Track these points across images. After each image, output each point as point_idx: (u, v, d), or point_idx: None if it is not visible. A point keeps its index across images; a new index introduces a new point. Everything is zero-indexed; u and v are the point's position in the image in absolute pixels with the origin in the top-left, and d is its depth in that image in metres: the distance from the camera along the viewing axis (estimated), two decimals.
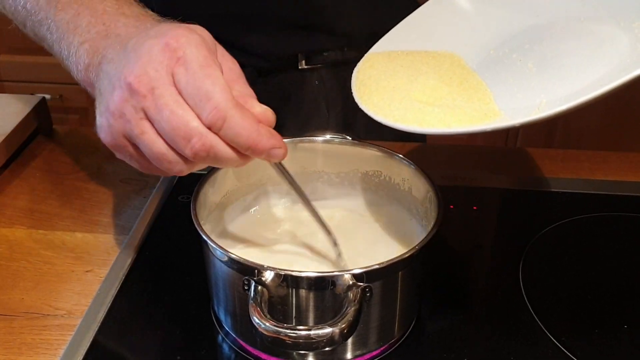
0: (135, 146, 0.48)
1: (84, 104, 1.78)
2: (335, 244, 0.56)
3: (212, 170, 0.58)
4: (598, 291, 0.61)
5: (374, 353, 0.54)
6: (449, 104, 0.50)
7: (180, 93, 0.45)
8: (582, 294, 0.60)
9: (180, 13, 0.83)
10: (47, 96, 1.01)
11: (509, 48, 0.54)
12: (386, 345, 0.54)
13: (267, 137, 0.46)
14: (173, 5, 0.82)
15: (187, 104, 0.45)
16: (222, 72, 0.46)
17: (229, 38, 0.84)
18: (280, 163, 0.51)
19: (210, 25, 0.83)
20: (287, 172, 0.53)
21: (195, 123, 0.45)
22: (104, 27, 0.53)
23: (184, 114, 0.45)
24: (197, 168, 0.48)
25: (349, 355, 0.53)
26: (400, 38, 0.60)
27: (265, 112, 0.48)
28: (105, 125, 0.48)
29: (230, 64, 0.50)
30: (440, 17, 0.60)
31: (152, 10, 0.82)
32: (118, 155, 0.50)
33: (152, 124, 0.46)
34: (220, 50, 0.50)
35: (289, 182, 0.53)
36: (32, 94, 0.90)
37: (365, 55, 0.59)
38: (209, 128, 0.45)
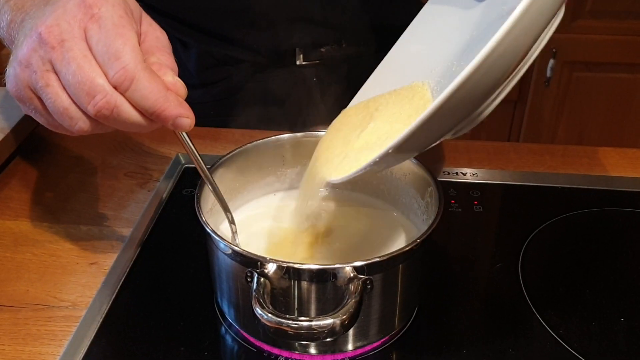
0: (41, 99, 0.47)
1: None
2: (232, 222, 0.56)
3: (215, 165, 0.59)
4: (596, 285, 0.61)
5: (375, 344, 0.54)
6: (380, 143, 0.50)
7: (90, 49, 0.45)
8: (580, 288, 0.61)
9: (176, 8, 0.84)
10: None
11: (465, 59, 0.53)
12: (387, 337, 0.55)
13: (175, 105, 0.46)
14: (169, 1, 0.82)
15: (97, 61, 0.44)
16: (137, 35, 0.46)
17: (224, 33, 0.84)
18: (186, 135, 0.50)
19: (207, 21, 0.84)
20: (193, 146, 0.51)
21: (101, 80, 0.44)
22: None
23: (90, 70, 0.44)
24: (101, 129, 0.47)
25: (350, 346, 0.53)
26: (375, 85, 0.60)
27: (176, 83, 0.47)
28: (12, 75, 0.47)
29: (157, 33, 0.50)
30: (412, 50, 0.60)
31: (149, 5, 0.82)
32: (24, 109, 0.49)
33: (58, 77, 0.45)
34: (148, 19, 0.50)
35: (192, 157, 0.52)
36: None
37: (341, 112, 0.60)
38: (115, 87, 0.44)
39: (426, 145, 0.48)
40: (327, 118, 0.88)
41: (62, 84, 0.45)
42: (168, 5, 0.82)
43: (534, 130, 1.81)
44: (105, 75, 0.44)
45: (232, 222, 0.57)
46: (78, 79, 0.44)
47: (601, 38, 1.68)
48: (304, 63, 0.86)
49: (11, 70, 0.47)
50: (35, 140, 0.81)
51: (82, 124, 0.46)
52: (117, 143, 0.80)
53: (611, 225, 0.69)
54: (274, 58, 0.85)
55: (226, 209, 0.56)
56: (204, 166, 0.53)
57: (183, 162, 0.78)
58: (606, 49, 1.69)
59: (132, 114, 0.45)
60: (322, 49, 0.85)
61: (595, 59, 1.71)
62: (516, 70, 0.43)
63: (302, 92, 0.87)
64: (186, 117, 0.46)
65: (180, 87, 0.47)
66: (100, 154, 0.79)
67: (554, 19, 0.43)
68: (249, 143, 0.62)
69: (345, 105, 0.86)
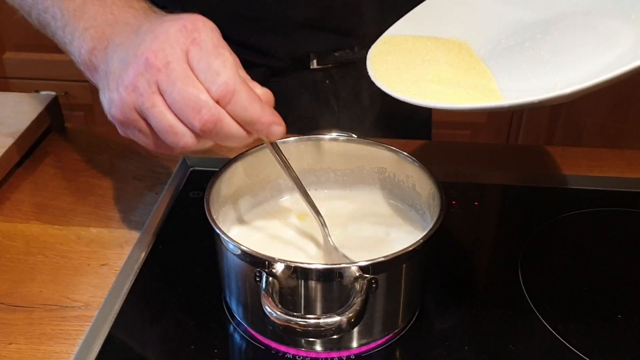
0: (146, 121, 0.50)
1: (89, 101, 1.80)
2: (323, 224, 0.59)
3: (223, 167, 0.60)
4: (593, 283, 0.63)
5: (379, 342, 0.56)
6: (459, 84, 0.53)
7: (192, 69, 0.48)
8: (578, 286, 0.62)
9: (193, 13, 0.86)
10: (52, 93, 1.03)
11: (521, 37, 0.57)
12: (390, 335, 0.56)
13: (269, 114, 0.50)
14: (186, 5, 0.84)
15: (198, 79, 0.48)
16: (230, 55, 0.50)
17: (241, 38, 0.86)
18: (275, 144, 0.55)
19: (223, 26, 0.85)
20: (282, 153, 0.56)
21: (204, 96, 0.48)
22: (112, 17, 0.56)
23: (195, 87, 0.48)
24: (201, 144, 0.51)
25: (354, 344, 0.55)
26: (413, 23, 0.63)
27: (266, 93, 0.52)
28: (117, 99, 0.50)
29: (232, 56, 0.53)
30: (453, 7, 0.63)
31: (165, 9, 0.85)
32: (123, 132, 0.53)
33: (164, 98, 0.49)
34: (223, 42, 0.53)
35: (282, 163, 0.56)
36: (37, 91, 0.91)
37: (380, 37, 0.63)
38: (218, 102, 0.48)
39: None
40: (339, 121, 0.90)
41: (167, 104, 0.49)
42: (185, 10, 0.84)
43: (532, 131, 1.83)
44: (207, 91, 0.48)
45: (324, 224, 0.59)
46: (184, 97, 0.48)
47: None
48: (317, 67, 0.88)
49: (115, 96, 0.50)
50: (45, 145, 0.82)
51: (187, 139, 0.50)
52: (124, 147, 0.82)
53: (609, 225, 0.71)
54: (289, 62, 0.87)
55: (318, 214, 0.59)
56: (294, 173, 0.57)
57: (189, 165, 0.79)
58: None
59: (233, 126, 0.49)
60: (336, 54, 0.87)
61: None
62: None
63: (315, 95, 0.89)
64: (279, 124, 0.51)
65: (271, 97, 0.52)
66: (109, 157, 0.80)
67: None
68: (256, 146, 0.63)
69: (358, 110, 0.88)
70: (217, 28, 0.51)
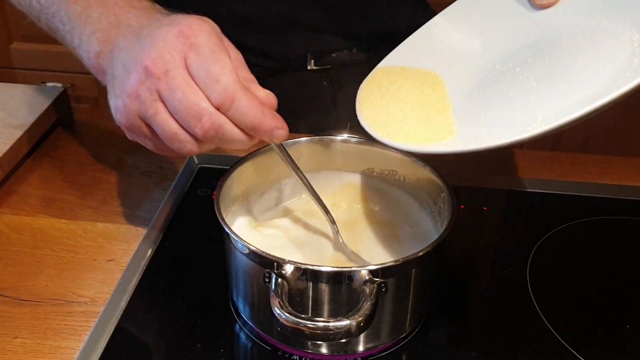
0: (149, 126, 0.51)
1: (95, 94, 1.80)
2: (333, 222, 0.59)
3: (233, 166, 0.60)
4: (602, 292, 0.62)
5: (385, 346, 0.56)
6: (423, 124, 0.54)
7: (191, 76, 0.48)
8: (586, 294, 0.62)
9: (189, 14, 0.86)
10: (59, 85, 1.01)
11: (513, 62, 0.56)
12: (397, 339, 0.56)
13: (270, 118, 0.49)
14: (182, 6, 0.83)
15: (198, 86, 0.48)
16: (230, 58, 0.50)
17: (239, 38, 0.85)
18: (282, 145, 0.55)
19: (220, 27, 0.85)
20: (288, 154, 0.56)
21: (205, 103, 0.48)
22: (115, 18, 0.56)
23: (195, 95, 0.48)
24: (206, 148, 0.51)
25: (360, 347, 0.55)
26: (408, 53, 0.62)
27: (268, 96, 0.52)
28: (121, 106, 0.50)
29: (234, 54, 0.53)
30: (447, 33, 0.62)
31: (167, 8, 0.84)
32: (131, 136, 0.53)
33: (165, 105, 0.49)
34: (226, 40, 0.53)
35: (289, 164, 0.56)
36: (43, 82, 0.90)
37: (374, 69, 0.62)
38: (218, 108, 0.48)
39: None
40: (337, 122, 0.90)
41: (169, 111, 0.49)
42: (184, 11, 0.84)
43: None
44: (208, 98, 0.48)
45: (333, 222, 0.59)
46: (184, 105, 0.48)
47: None
48: (314, 68, 0.87)
49: (119, 103, 0.50)
50: (53, 138, 0.82)
51: (190, 146, 0.50)
52: (132, 142, 0.81)
53: (618, 233, 0.71)
54: (285, 63, 0.87)
55: (327, 212, 0.58)
56: (301, 173, 0.57)
57: (197, 162, 0.79)
58: None
59: (235, 132, 0.49)
60: (333, 54, 0.87)
61: None
62: None
63: (312, 96, 0.89)
64: (281, 128, 0.50)
65: (273, 99, 0.52)
66: (117, 152, 0.80)
67: None
68: (266, 145, 0.63)
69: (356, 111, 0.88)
70: (214, 29, 0.51)
